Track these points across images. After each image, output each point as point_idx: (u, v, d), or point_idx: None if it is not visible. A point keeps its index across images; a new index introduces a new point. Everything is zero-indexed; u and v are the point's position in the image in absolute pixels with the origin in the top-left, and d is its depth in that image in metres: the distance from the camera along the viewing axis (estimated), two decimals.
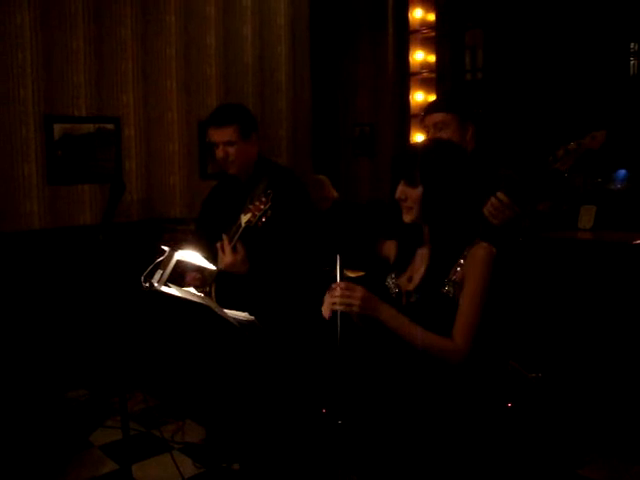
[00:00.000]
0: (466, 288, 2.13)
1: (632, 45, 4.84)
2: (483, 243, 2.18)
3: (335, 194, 5.11)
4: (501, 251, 2.21)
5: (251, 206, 2.85)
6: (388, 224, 2.42)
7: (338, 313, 2.06)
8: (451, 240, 2.20)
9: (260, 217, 2.82)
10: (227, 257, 2.88)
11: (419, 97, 5.99)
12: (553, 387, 3.13)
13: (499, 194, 2.51)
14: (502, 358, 2.42)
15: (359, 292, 2.07)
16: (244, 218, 2.85)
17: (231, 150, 3.07)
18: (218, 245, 2.93)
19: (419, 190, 2.19)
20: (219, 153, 3.09)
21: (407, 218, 2.25)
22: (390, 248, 2.48)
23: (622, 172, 4.83)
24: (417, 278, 2.26)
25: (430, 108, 2.92)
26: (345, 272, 2.41)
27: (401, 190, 2.23)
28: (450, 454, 2.05)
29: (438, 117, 2.82)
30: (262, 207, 2.82)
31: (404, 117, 6.00)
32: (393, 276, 2.35)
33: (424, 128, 2.91)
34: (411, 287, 2.26)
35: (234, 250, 2.88)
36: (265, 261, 2.97)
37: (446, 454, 2.04)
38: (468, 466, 2.08)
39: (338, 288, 2.07)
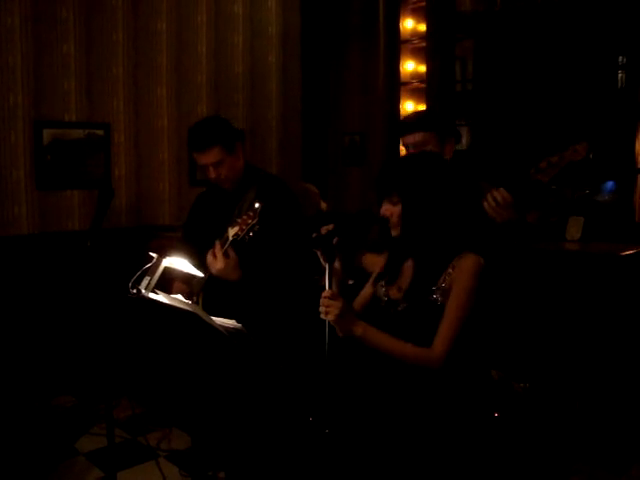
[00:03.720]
0: (451, 296, 2.17)
1: (620, 58, 4.89)
2: (471, 254, 2.21)
3: (324, 205, 5.09)
4: (490, 262, 2.23)
5: (239, 219, 2.79)
6: (378, 235, 2.43)
7: (326, 322, 2.07)
8: (433, 252, 2.23)
9: (248, 232, 2.76)
10: (219, 263, 2.82)
11: (409, 107, 6.02)
12: (540, 397, 3.13)
13: (501, 189, 2.50)
14: (488, 368, 2.42)
15: (337, 305, 2.09)
16: (231, 231, 2.79)
17: (222, 169, 3.04)
18: (210, 251, 2.89)
19: (400, 207, 2.22)
20: (210, 174, 3.06)
21: (394, 233, 2.28)
22: (372, 260, 2.54)
23: (610, 183, 4.86)
24: (404, 287, 2.29)
25: (407, 127, 2.92)
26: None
27: (385, 208, 2.27)
28: (437, 464, 2.05)
29: (417, 137, 2.84)
30: (250, 222, 2.75)
31: (394, 126, 6.01)
32: (383, 285, 2.36)
33: (403, 146, 2.92)
34: (399, 296, 2.29)
35: (226, 255, 2.83)
36: (253, 271, 2.95)
37: (433, 464, 2.05)
38: (455, 476, 2.08)
39: (324, 296, 2.09)
